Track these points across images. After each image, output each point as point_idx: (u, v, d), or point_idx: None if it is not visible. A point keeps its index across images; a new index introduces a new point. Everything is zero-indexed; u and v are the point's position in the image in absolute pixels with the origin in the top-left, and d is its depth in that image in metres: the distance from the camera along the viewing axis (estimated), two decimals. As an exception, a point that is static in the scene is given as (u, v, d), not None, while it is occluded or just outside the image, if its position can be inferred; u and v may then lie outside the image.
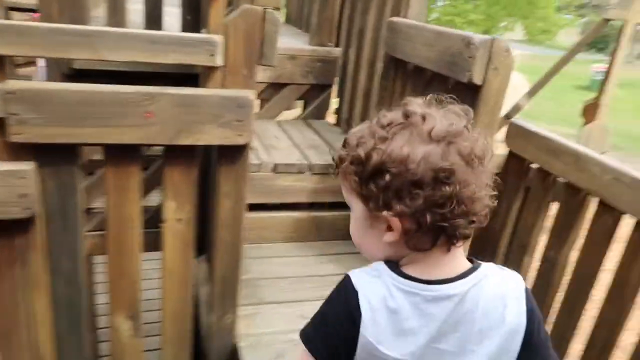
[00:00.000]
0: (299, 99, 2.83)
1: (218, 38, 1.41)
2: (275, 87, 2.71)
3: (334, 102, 2.87)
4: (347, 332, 0.74)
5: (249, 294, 1.81)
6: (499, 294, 0.75)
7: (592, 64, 14.09)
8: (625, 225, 1.38)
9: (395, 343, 0.73)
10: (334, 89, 2.83)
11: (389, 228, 0.72)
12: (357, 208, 0.75)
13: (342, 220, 2.18)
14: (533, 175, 1.74)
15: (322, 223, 2.22)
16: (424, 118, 0.70)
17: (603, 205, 1.43)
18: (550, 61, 7.48)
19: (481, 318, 0.73)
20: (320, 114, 2.86)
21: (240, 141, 1.34)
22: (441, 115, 0.71)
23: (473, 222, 0.71)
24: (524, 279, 0.81)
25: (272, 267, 2.02)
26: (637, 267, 1.33)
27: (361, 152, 0.70)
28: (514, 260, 1.78)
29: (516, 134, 1.76)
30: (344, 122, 2.71)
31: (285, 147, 2.32)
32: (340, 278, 0.78)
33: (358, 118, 2.53)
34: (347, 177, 0.74)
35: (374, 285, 0.74)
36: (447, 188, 0.67)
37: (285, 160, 2.14)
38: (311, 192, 2.18)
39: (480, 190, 0.70)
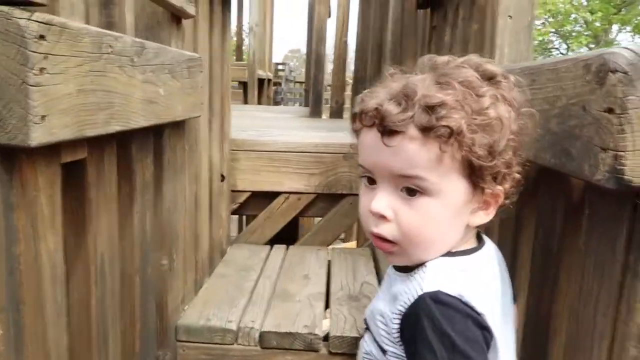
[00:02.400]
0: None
1: None
2: (327, 199, 1.88)
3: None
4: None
5: None
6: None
7: None
8: None
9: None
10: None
11: (485, 206, 0.66)
12: (453, 191, 0.63)
13: None
14: None
15: None
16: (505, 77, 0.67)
17: None
18: None
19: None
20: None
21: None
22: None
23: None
24: None
25: None
26: None
27: (493, 113, 0.62)
28: None
29: None
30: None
31: (302, 298, 1.40)
32: None
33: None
34: (461, 151, 0.61)
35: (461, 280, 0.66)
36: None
37: (283, 326, 1.23)
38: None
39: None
